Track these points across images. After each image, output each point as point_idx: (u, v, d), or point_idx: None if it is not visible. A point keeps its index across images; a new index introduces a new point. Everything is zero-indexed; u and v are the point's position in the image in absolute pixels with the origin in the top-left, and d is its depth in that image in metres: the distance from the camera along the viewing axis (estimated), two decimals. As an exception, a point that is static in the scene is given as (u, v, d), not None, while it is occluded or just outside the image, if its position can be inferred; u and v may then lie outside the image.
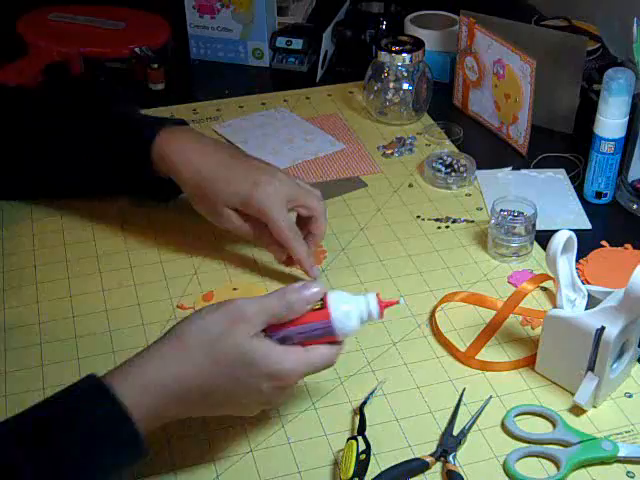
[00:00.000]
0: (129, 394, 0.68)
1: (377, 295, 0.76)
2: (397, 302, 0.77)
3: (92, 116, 1.04)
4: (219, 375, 0.70)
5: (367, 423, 0.81)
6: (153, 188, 1.03)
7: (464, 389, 0.85)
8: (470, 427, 0.81)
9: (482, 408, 0.83)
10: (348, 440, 0.77)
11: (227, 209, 0.94)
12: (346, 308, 0.74)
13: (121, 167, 1.01)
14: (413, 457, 0.78)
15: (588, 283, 0.96)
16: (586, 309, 0.84)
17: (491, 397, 0.84)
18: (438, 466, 0.78)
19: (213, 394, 0.71)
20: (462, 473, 0.76)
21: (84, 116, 1.04)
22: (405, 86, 1.29)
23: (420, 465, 0.77)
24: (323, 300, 0.74)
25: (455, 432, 0.80)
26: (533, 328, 0.93)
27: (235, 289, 0.98)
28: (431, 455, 0.78)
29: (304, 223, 0.98)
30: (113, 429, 0.67)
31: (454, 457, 0.78)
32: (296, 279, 0.99)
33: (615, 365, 0.83)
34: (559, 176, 1.18)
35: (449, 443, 0.79)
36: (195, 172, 0.95)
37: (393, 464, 0.77)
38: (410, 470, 0.77)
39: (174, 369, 0.70)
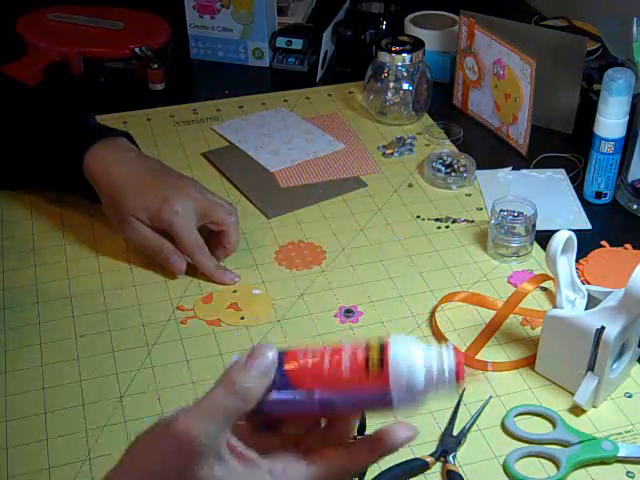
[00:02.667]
0: None
1: (455, 350, 0.54)
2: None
3: (41, 109, 1.08)
4: None
5: (367, 423, 0.81)
6: (85, 190, 1.04)
7: (464, 389, 0.85)
8: (470, 427, 0.81)
9: (482, 408, 0.83)
10: None
11: (134, 219, 0.97)
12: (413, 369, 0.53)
13: (56, 168, 1.04)
14: (413, 457, 0.78)
15: (588, 283, 0.96)
16: (586, 309, 0.84)
17: (491, 397, 0.84)
18: (438, 466, 0.78)
19: None
20: (462, 473, 0.76)
21: (34, 108, 1.08)
22: (405, 86, 1.29)
23: (420, 465, 0.77)
24: (383, 352, 0.53)
25: (455, 432, 0.80)
26: (533, 328, 0.93)
27: (234, 291, 0.98)
28: (431, 455, 0.78)
29: (218, 237, 1.00)
30: None
31: (454, 457, 0.78)
32: (295, 281, 0.99)
33: (615, 365, 0.83)
34: (559, 176, 1.18)
35: (449, 443, 0.79)
36: (109, 187, 0.98)
37: (393, 464, 0.77)
38: (410, 470, 0.77)
39: None
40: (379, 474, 0.76)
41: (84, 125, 1.06)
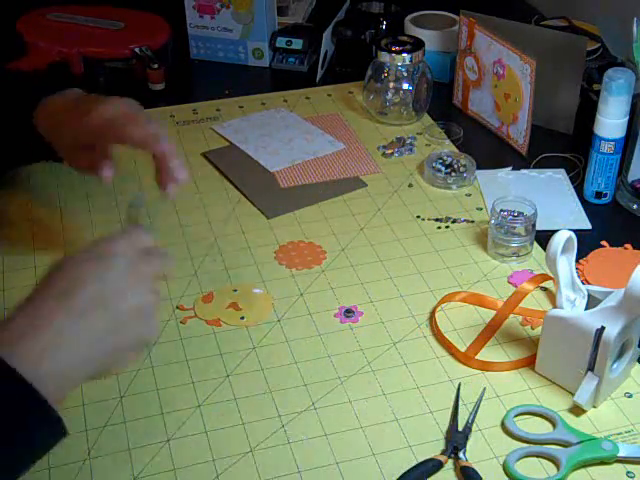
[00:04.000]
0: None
1: None
2: None
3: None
4: (78, 264, 0.71)
5: (366, 423, 0.82)
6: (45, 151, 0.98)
7: (460, 384, 0.85)
8: (473, 420, 0.81)
9: (479, 400, 0.83)
10: None
11: (73, 149, 0.91)
12: None
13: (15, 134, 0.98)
14: (425, 458, 0.78)
15: (588, 283, 0.96)
16: (586, 309, 0.84)
17: (485, 389, 0.85)
18: (450, 463, 0.78)
19: (81, 285, 0.68)
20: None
21: None
22: (405, 86, 1.29)
23: (435, 465, 0.77)
24: None
25: (460, 427, 0.80)
26: (533, 328, 0.93)
27: (235, 290, 0.98)
28: (442, 453, 0.78)
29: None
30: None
31: (464, 453, 0.78)
32: (295, 281, 0.99)
33: (615, 365, 0.83)
34: (559, 176, 1.18)
35: (457, 439, 0.79)
36: (49, 129, 0.93)
37: (407, 468, 0.77)
38: (426, 471, 0.77)
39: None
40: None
41: (31, 88, 1.00)
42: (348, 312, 0.95)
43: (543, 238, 1.01)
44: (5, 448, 0.61)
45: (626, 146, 1.09)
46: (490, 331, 0.92)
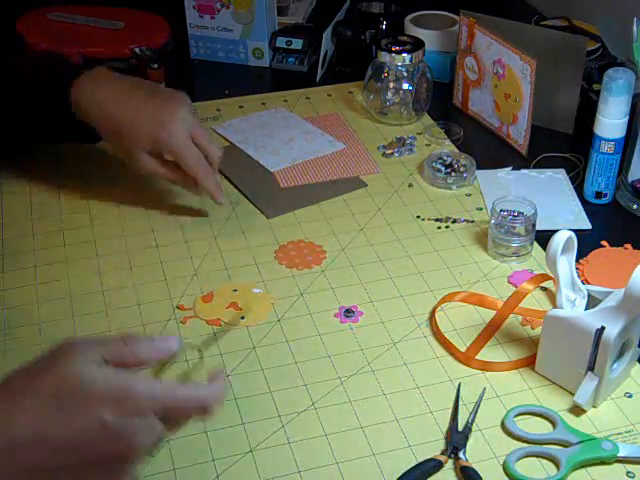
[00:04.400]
0: None
1: None
2: None
3: (14, 59, 1.09)
4: (47, 411, 0.55)
5: (367, 423, 0.82)
6: (78, 132, 1.05)
7: (460, 384, 0.85)
8: (473, 420, 0.81)
9: (480, 400, 0.83)
10: None
11: (142, 152, 1.01)
12: None
13: (43, 112, 1.04)
14: (426, 458, 0.78)
15: (588, 283, 0.96)
16: (586, 309, 0.84)
17: (485, 389, 0.85)
18: (450, 463, 0.78)
19: (48, 440, 0.55)
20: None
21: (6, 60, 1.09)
22: (405, 86, 1.29)
23: (435, 465, 0.77)
24: None
25: (460, 427, 0.80)
26: (533, 328, 0.93)
27: (235, 289, 0.98)
28: (442, 453, 0.78)
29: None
30: None
31: (464, 452, 0.78)
32: (295, 281, 0.99)
33: (615, 365, 0.83)
34: (559, 176, 1.18)
35: (457, 439, 0.79)
36: (107, 121, 1.01)
37: (407, 468, 0.77)
38: (426, 471, 0.77)
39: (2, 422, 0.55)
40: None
41: (61, 66, 1.07)
42: (348, 312, 0.95)
43: (543, 238, 1.00)
44: None
45: (626, 146, 1.09)
46: (490, 331, 0.92)
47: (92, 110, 1.01)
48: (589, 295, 0.85)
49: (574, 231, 0.84)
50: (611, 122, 1.06)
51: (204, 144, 1.04)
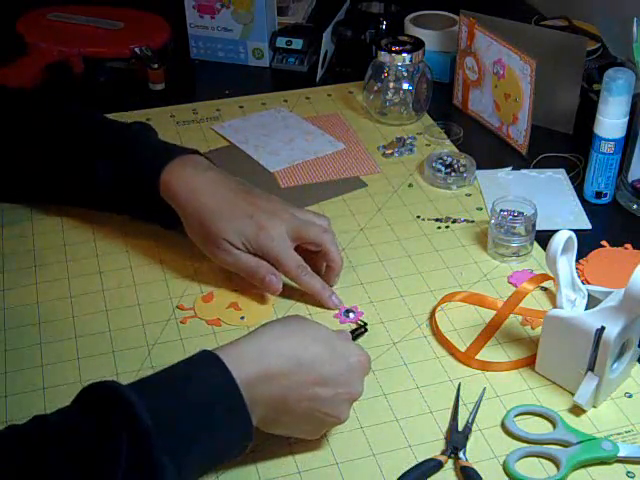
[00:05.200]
0: (229, 363, 0.70)
1: None
2: None
3: (106, 131, 1.04)
4: (325, 351, 0.75)
5: (367, 423, 0.82)
6: (158, 213, 1.01)
7: (460, 384, 0.85)
8: (473, 420, 0.81)
9: (480, 400, 0.83)
10: None
11: (228, 244, 0.94)
12: None
13: (126, 189, 1.00)
14: (426, 458, 0.78)
15: (588, 283, 0.96)
16: (586, 309, 0.84)
17: (485, 389, 0.85)
18: (451, 463, 0.78)
19: (322, 372, 0.74)
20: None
21: (97, 129, 1.04)
22: (405, 86, 1.29)
23: (435, 465, 0.77)
24: None
25: (460, 427, 0.80)
26: (533, 328, 0.93)
27: (235, 290, 0.98)
28: (442, 453, 0.78)
29: (318, 257, 0.98)
30: (223, 397, 0.69)
31: (464, 453, 0.78)
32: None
33: (615, 365, 0.83)
34: (559, 176, 1.18)
35: (457, 439, 0.79)
36: (198, 209, 0.95)
37: (407, 468, 0.77)
38: (426, 471, 0.77)
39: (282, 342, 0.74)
40: (397, 480, 0.76)
41: (152, 144, 1.02)
42: (348, 312, 0.95)
43: (543, 238, 1.00)
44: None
45: (626, 146, 1.09)
46: (490, 331, 0.92)
47: (182, 199, 0.95)
48: (589, 295, 0.85)
49: (574, 231, 0.84)
50: (611, 122, 1.06)
51: (314, 239, 0.96)
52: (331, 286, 0.97)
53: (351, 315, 0.94)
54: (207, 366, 0.71)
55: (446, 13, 1.43)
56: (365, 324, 0.92)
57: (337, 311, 0.95)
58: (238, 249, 0.94)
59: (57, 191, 1.06)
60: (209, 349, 0.72)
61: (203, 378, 0.70)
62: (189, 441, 0.67)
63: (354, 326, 0.93)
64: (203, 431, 0.68)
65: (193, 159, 0.99)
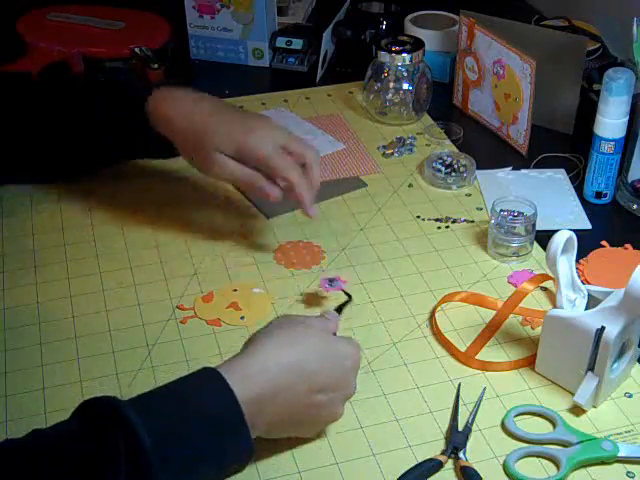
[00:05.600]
0: (234, 381, 0.70)
1: None
2: None
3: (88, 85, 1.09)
4: (322, 349, 0.76)
5: (367, 423, 0.82)
6: (152, 146, 1.03)
7: (460, 384, 0.85)
8: (473, 420, 0.81)
9: (480, 400, 0.84)
10: None
11: (220, 154, 0.95)
12: None
13: (118, 126, 1.02)
14: (426, 458, 0.78)
15: (588, 283, 0.96)
16: (586, 309, 0.84)
17: (485, 388, 0.85)
18: (450, 463, 0.78)
19: (315, 374, 0.74)
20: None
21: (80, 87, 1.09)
22: (405, 86, 1.29)
23: (435, 465, 0.77)
24: None
25: (460, 427, 0.80)
26: (533, 328, 0.93)
27: (235, 290, 0.98)
28: (442, 453, 0.78)
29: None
30: (225, 416, 0.69)
31: (464, 453, 0.78)
32: (295, 281, 0.99)
33: (615, 365, 0.83)
34: (559, 176, 1.18)
35: (457, 439, 0.79)
36: (188, 120, 0.96)
37: (407, 468, 0.77)
38: (426, 471, 0.77)
39: (279, 351, 0.74)
40: (397, 480, 0.76)
41: (141, 83, 1.08)
42: (332, 281, 0.95)
43: (543, 238, 1.00)
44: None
45: (626, 146, 1.09)
46: (490, 331, 0.92)
47: (171, 114, 0.97)
48: (589, 295, 0.85)
49: (574, 231, 0.84)
50: (611, 122, 1.06)
51: (299, 151, 0.97)
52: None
53: (334, 284, 0.95)
54: (209, 384, 0.70)
55: (446, 13, 1.43)
56: (349, 295, 0.92)
57: (322, 280, 0.96)
58: (232, 159, 0.95)
59: (58, 157, 1.07)
60: (212, 366, 0.72)
61: (205, 396, 0.69)
62: (189, 462, 0.67)
63: (338, 301, 0.93)
64: (203, 452, 0.67)
65: (180, 88, 1.02)
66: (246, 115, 0.99)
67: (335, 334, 0.81)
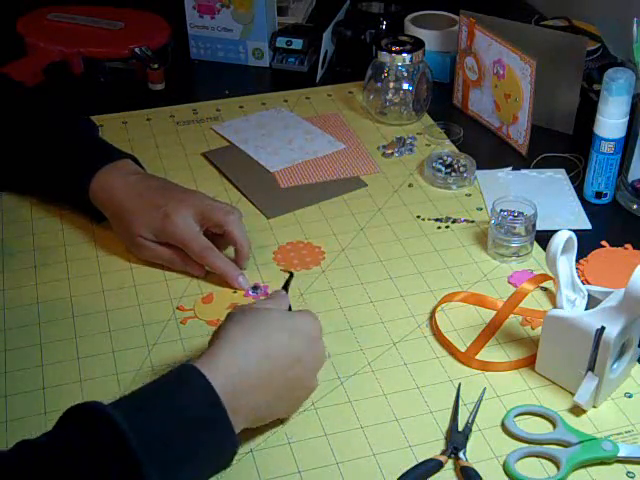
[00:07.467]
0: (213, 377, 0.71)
1: None
2: None
3: (53, 124, 1.10)
4: (289, 338, 0.78)
5: (367, 423, 0.82)
6: (89, 210, 1.06)
7: (460, 384, 0.85)
8: (473, 420, 0.81)
9: (480, 400, 0.83)
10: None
11: (142, 239, 0.99)
12: None
13: (62, 188, 1.06)
14: (426, 458, 0.78)
15: (588, 283, 0.96)
16: (586, 309, 0.84)
17: (485, 388, 0.85)
18: (451, 463, 0.78)
19: (286, 361, 0.77)
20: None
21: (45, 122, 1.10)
22: (405, 86, 1.29)
23: (435, 465, 0.77)
24: None
25: (460, 428, 0.80)
26: (533, 328, 0.93)
27: (235, 291, 0.98)
28: (442, 453, 0.78)
29: (226, 241, 1.00)
30: (208, 411, 0.70)
31: (464, 453, 0.78)
32: (295, 281, 0.99)
33: (615, 365, 0.83)
34: (559, 176, 1.18)
35: (457, 440, 0.79)
36: (117, 211, 1.01)
37: (408, 468, 0.77)
38: (426, 471, 0.77)
39: (250, 346, 0.76)
40: (397, 480, 0.76)
41: (89, 146, 1.07)
42: (255, 288, 0.97)
43: (543, 238, 1.01)
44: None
45: (626, 146, 1.09)
46: (490, 331, 0.92)
47: (104, 201, 1.02)
48: (589, 295, 0.85)
49: (574, 231, 0.84)
50: (611, 122, 1.06)
51: (218, 221, 0.98)
52: (243, 269, 0.99)
53: (258, 291, 0.97)
54: (190, 381, 0.71)
55: (446, 13, 1.43)
56: (290, 272, 0.94)
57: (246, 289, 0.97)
58: (154, 242, 0.99)
59: (16, 175, 1.11)
60: (190, 363, 0.73)
61: (186, 393, 0.71)
62: (176, 459, 0.67)
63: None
64: (189, 448, 0.68)
65: (119, 165, 1.04)
66: (166, 197, 0.99)
67: (290, 309, 0.84)
